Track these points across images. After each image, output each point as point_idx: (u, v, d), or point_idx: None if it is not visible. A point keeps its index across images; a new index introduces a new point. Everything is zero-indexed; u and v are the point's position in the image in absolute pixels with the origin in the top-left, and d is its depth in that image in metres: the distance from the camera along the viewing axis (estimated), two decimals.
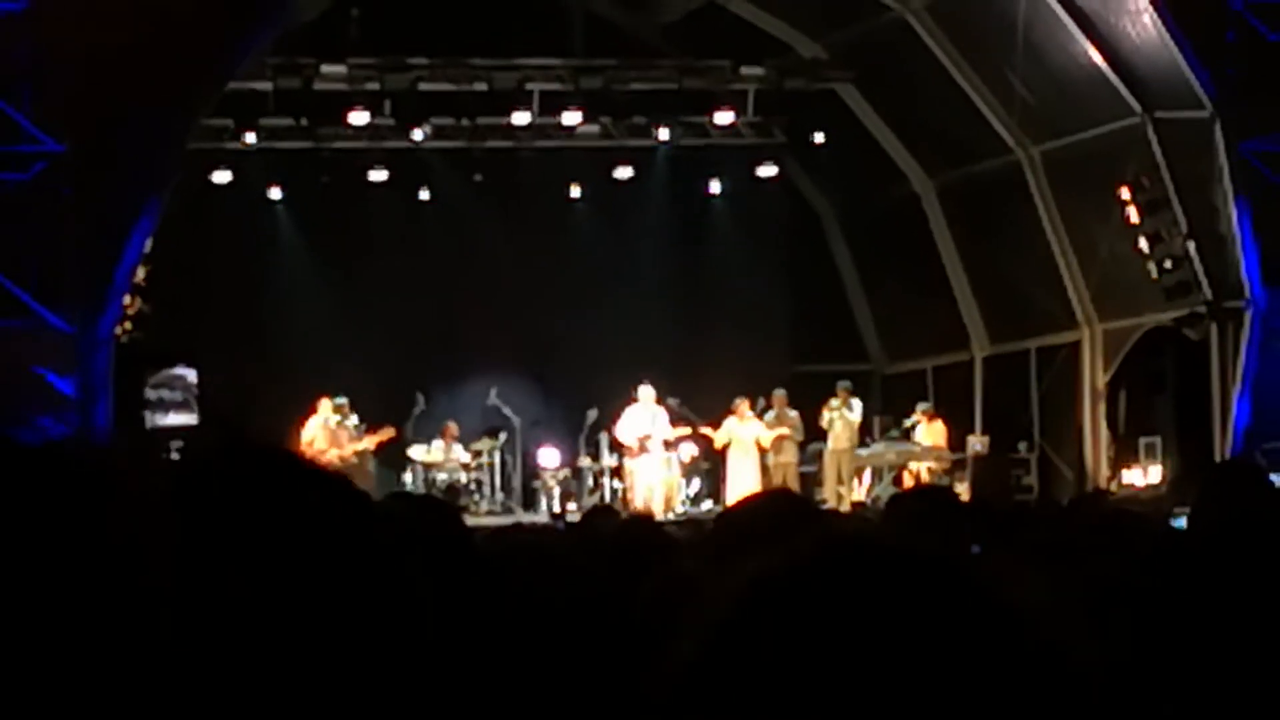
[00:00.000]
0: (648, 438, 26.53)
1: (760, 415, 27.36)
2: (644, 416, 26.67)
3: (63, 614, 2.26)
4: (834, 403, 27.53)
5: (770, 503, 4.77)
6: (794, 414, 27.48)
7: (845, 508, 24.89)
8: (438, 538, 3.73)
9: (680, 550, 5.78)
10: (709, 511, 25.47)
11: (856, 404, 27.73)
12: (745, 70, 29.08)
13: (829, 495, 26.81)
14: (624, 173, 29.98)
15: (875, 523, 9.06)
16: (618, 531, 6.59)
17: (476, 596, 3.64)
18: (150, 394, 25.49)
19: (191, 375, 25.87)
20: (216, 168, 27.57)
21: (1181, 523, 7.44)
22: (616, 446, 27.09)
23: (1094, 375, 27.72)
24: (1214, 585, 2.70)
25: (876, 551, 1.58)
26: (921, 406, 28.27)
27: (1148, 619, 2.50)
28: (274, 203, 29.17)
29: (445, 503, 4.30)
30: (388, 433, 26.23)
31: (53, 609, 2.33)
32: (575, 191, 30.27)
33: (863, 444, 28.01)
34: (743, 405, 27.10)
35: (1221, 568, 2.76)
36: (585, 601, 3.82)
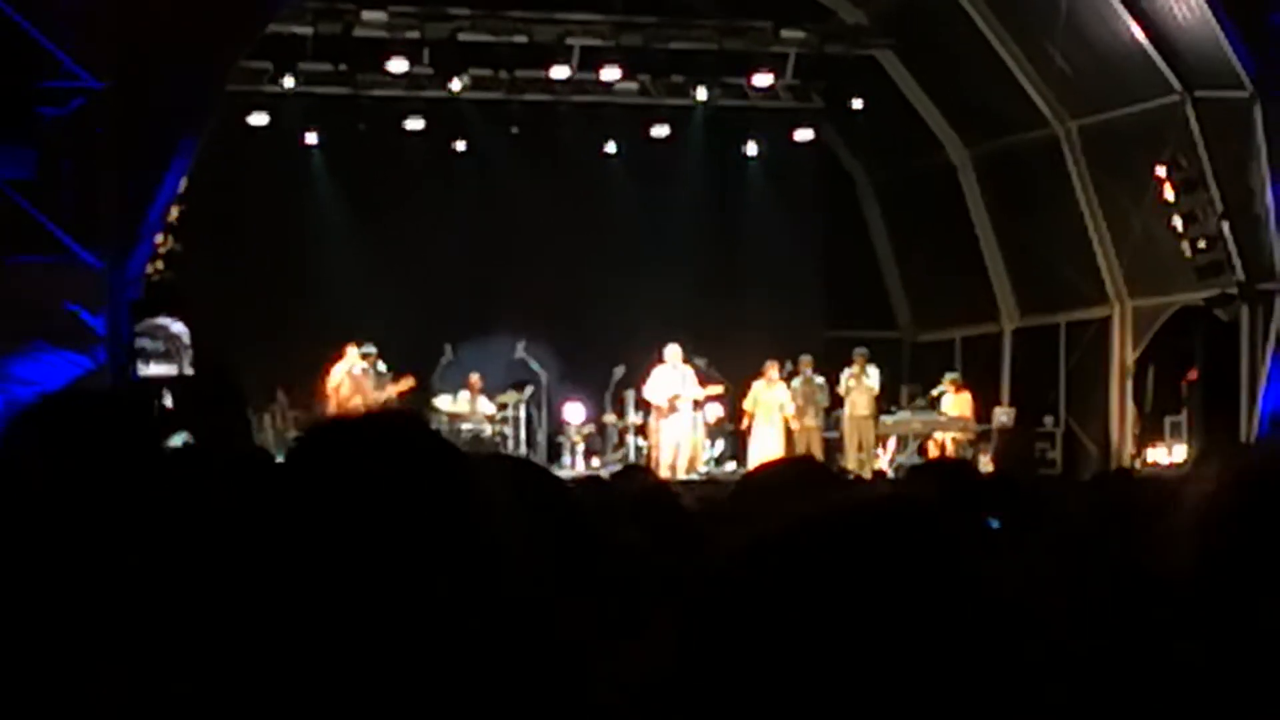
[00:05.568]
0: (677, 397, 26.53)
1: (788, 380, 27.37)
2: (673, 376, 26.67)
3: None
4: (851, 369, 27.53)
5: (791, 469, 4.78)
6: (820, 379, 27.50)
7: (867, 474, 24.91)
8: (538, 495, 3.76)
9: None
10: (732, 473, 25.49)
11: (874, 371, 27.68)
12: (786, 33, 29.01)
13: (850, 462, 26.80)
14: (660, 131, 29.91)
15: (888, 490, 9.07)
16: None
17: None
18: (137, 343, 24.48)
19: (177, 326, 24.78)
20: (253, 110, 27.60)
21: None
22: (643, 405, 27.08)
23: (1123, 352, 27.67)
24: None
25: (852, 521, 1.81)
26: (949, 376, 28.24)
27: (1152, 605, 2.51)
28: (310, 147, 29.13)
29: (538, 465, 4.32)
30: (407, 383, 26.16)
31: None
32: (611, 148, 30.21)
33: (888, 411, 28.01)
34: (771, 368, 27.12)
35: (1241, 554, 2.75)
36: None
